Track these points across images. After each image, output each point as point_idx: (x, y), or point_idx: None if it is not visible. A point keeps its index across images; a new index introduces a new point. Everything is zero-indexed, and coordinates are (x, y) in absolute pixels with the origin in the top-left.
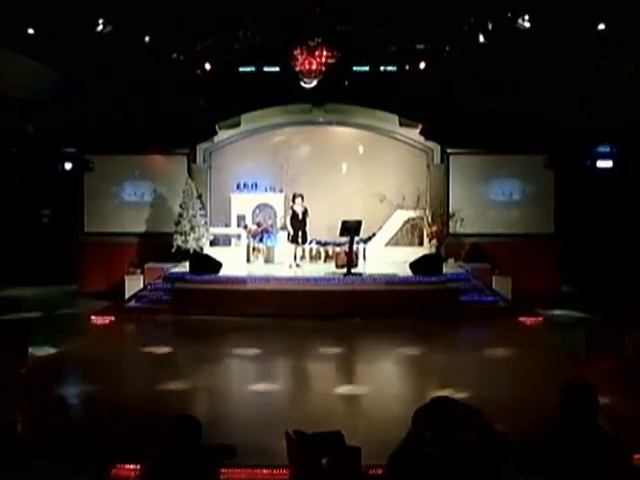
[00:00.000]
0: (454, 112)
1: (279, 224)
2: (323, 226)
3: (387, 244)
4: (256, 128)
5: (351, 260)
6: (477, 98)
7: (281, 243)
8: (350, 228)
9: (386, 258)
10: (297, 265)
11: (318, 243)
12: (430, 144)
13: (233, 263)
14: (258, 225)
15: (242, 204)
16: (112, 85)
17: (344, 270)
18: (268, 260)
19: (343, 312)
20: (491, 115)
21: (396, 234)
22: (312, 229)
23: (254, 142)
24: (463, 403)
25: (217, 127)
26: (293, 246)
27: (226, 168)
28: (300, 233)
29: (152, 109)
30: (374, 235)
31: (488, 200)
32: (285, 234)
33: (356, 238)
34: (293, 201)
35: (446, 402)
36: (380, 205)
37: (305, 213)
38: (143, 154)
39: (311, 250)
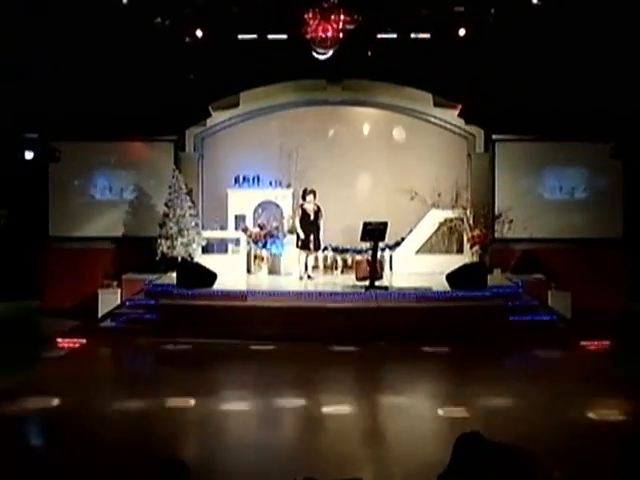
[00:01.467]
0: (501, 89)
1: (286, 227)
2: (340, 229)
3: (419, 251)
4: (258, 109)
5: (375, 271)
6: (529, 72)
7: (289, 250)
8: (373, 232)
9: (417, 268)
10: (308, 277)
11: (334, 250)
12: (471, 129)
13: (230, 274)
14: (261, 228)
15: (241, 202)
16: (83, 58)
17: (366, 283)
18: (273, 271)
19: (365, 335)
20: (546, 93)
21: (430, 239)
22: (327, 233)
23: (256, 126)
24: (496, 442)
25: (210, 108)
26: (303, 253)
27: (222, 158)
28: (312, 238)
29: (131, 86)
30: (403, 240)
31: (543, 198)
32: (294, 239)
33: (381, 244)
34: (304, 198)
35: (473, 440)
36: (410, 203)
37: (318, 213)
38: (120, 141)
39: (325, 258)
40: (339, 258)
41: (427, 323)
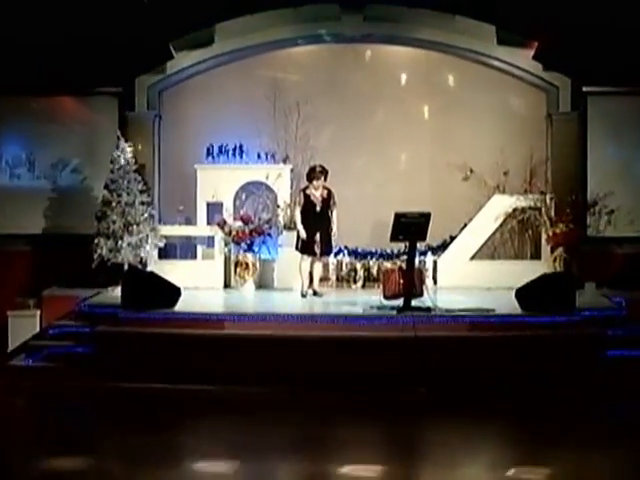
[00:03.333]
0: (595, 20)
1: (282, 220)
2: (361, 224)
3: (476, 256)
4: (241, 49)
5: (411, 285)
6: None
7: (286, 254)
8: (410, 227)
9: (474, 281)
10: (315, 293)
11: (352, 254)
12: (552, 77)
13: (201, 290)
14: (245, 222)
15: (217, 184)
16: None
17: (398, 302)
18: (263, 284)
19: (397, 378)
20: None
21: (492, 238)
22: (342, 229)
23: (237, 73)
24: None
25: (172, 47)
26: (307, 260)
27: (188, 120)
28: (319, 236)
29: (56, 17)
30: (452, 240)
31: None
32: (293, 238)
33: (420, 245)
34: (309, 180)
35: None
36: (463, 187)
37: (329, 201)
38: (39, 96)
39: (339, 267)
40: (359, 266)
41: (487, 361)
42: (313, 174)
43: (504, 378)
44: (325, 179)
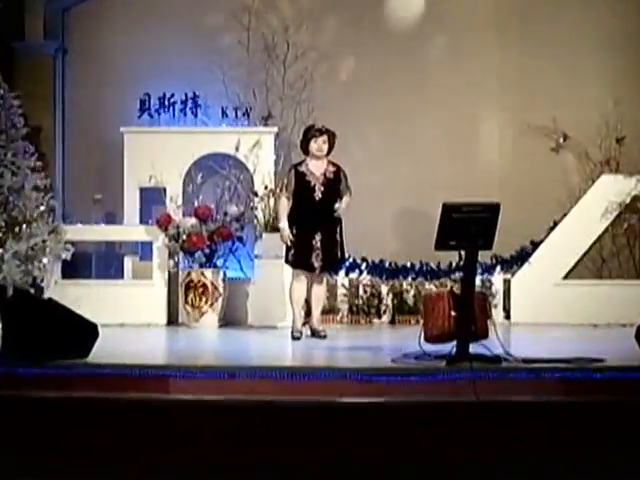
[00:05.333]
0: None
1: (261, 216)
2: (388, 224)
3: (571, 273)
4: None
5: (470, 318)
6: None
7: (266, 270)
8: (466, 227)
9: (568, 312)
10: (314, 333)
11: (376, 271)
12: None
13: (131, 328)
14: (201, 218)
15: (156, 158)
16: None
17: (449, 347)
18: (230, 318)
19: (446, 471)
20: None
21: (598, 243)
22: (357, 231)
23: None
24: None
25: None
26: (302, 279)
27: (110, 55)
28: (320, 241)
29: None
30: (535, 248)
31: None
32: (277, 244)
33: (483, 256)
34: (304, 150)
35: None
36: (551, 161)
37: (335, 184)
38: None
39: (355, 290)
40: (386, 290)
41: (592, 443)
42: (310, 138)
43: (620, 471)
44: (330, 149)
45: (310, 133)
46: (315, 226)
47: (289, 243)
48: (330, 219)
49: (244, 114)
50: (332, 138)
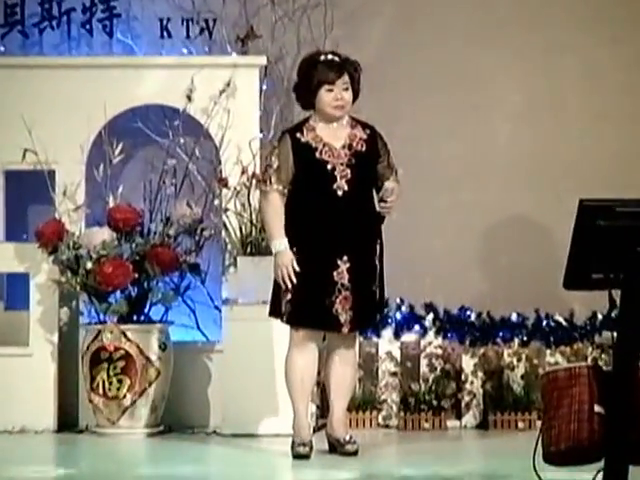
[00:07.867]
0: None
1: (235, 224)
2: (469, 247)
3: None
4: None
5: (633, 417)
6: None
7: (241, 326)
8: (622, 241)
9: None
10: (335, 446)
11: (450, 326)
12: None
13: None
14: (119, 229)
15: (35, 114)
16: None
17: (591, 467)
18: (171, 420)
19: None
20: None
21: None
22: (415, 256)
23: None
24: None
25: None
26: (306, 345)
27: None
28: (347, 271)
29: None
30: None
31: None
32: (265, 276)
33: None
34: (306, 100)
35: None
36: None
37: (369, 161)
38: None
39: (410, 364)
40: (471, 363)
41: None
42: (317, 80)
43: None
44: (356, 96)
45: (317, 71)
46: (337, 245)
47: (290, 281)
48: (365, 231)
49: (202, 31)
50: (356, 74)
